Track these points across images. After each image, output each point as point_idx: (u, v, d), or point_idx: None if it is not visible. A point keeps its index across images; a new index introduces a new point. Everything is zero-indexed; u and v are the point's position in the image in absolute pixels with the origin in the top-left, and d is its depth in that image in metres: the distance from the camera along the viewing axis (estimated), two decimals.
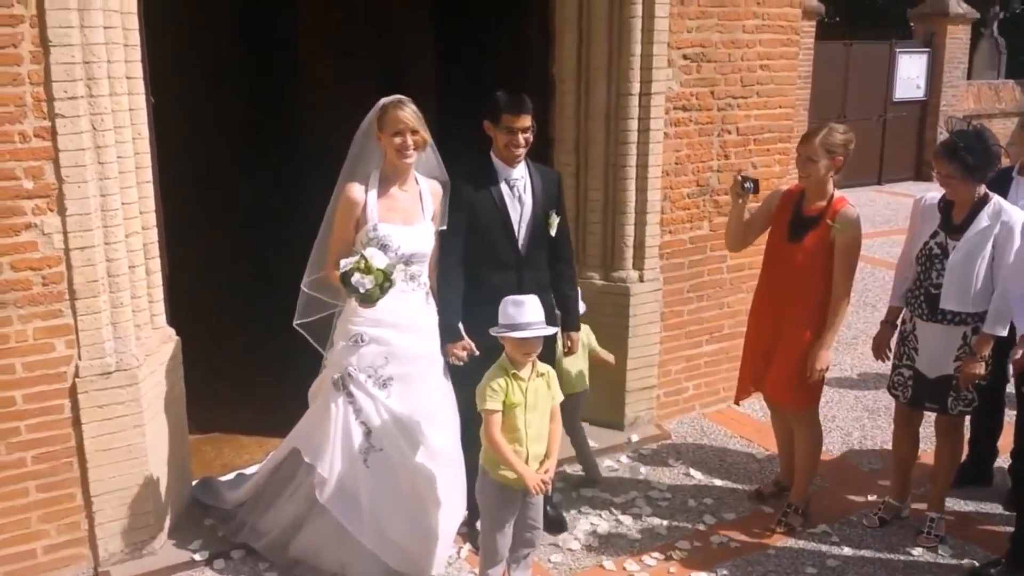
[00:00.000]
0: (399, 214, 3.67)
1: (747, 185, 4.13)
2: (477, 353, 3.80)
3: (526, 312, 3.27)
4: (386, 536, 3.68)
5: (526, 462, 3.34)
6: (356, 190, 3.65)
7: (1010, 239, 3.84)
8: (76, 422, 3.67)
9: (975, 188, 3.91)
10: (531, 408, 3.34)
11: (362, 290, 3.41)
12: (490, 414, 3.29)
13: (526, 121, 3.80)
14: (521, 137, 3.81)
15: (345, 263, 3.44)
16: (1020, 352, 3.84)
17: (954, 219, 3.98)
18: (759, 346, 4.33)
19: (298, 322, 3.85)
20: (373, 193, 3.65)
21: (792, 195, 4.21)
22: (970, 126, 4.05)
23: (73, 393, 3.65)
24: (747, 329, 4.49)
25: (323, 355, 3.88)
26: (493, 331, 3.31)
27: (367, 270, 3.40)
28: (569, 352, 4.23)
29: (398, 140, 3.59)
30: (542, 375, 3.41)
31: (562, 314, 4.17)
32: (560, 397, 3.50)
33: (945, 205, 4.02)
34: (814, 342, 4.08)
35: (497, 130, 3.82)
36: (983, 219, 3.89)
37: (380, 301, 3.49)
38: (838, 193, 4.09)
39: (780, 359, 4.19)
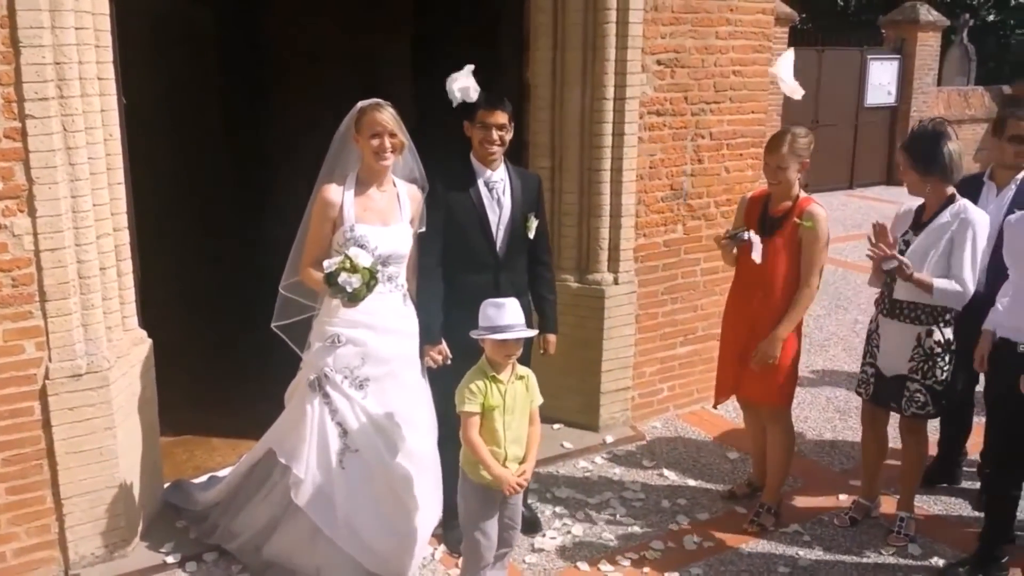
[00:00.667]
0: (376, 215, 3.67)
1: (743, 235, 4.14)
2: (451, 360, 3.82)
3: (507, 314, 3.27)
4: (361, 538, 3.68)
5: (504, 464, 3.35)
6: (332, 191, 3.65)
7: (964, 233, 3.92)
8: (46, 424, 3.64)
9: (932, 184, 3.99)
10: (509, 411, 3.35)
11: (349, 289, 3.40)
12: (468, 416, 3.30)
13: (501, 118, 3.81)
14: (496, 134, 3.83)
15: (329, 263, 3.43)
16: (981, 352, 3.92)
17: (923, 219, 4.09)
18: (734, 347, 4.37)
19: (276, 324, 3.84)
20: (350, 194, 3.64)
21: (758, 199, 4.33)
22: (931, 124, 4.12)
23: (43, 395, 3.61)
24: (722, 332, 4.53)
25: (299, 357, 3.87)
26: (474, 334, 3.30)
27: (353, 269, 3.41)
28: (545, 354, 4.25)
29: (376, 142, 3.59)
30: (521, 378, 3.41)
31: (539, 317, 4.19)
32: (539, 400, 3.51)
33: (919, 208, 4.13)
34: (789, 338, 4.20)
35: (473, 128, 3.85)
36: (945, 216, 3.99)
37: (363, 301, 3.49)
38: (803, 193, 4.21)
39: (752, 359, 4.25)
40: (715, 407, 4.79)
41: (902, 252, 4.03)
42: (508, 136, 3.89)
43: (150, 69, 5.98)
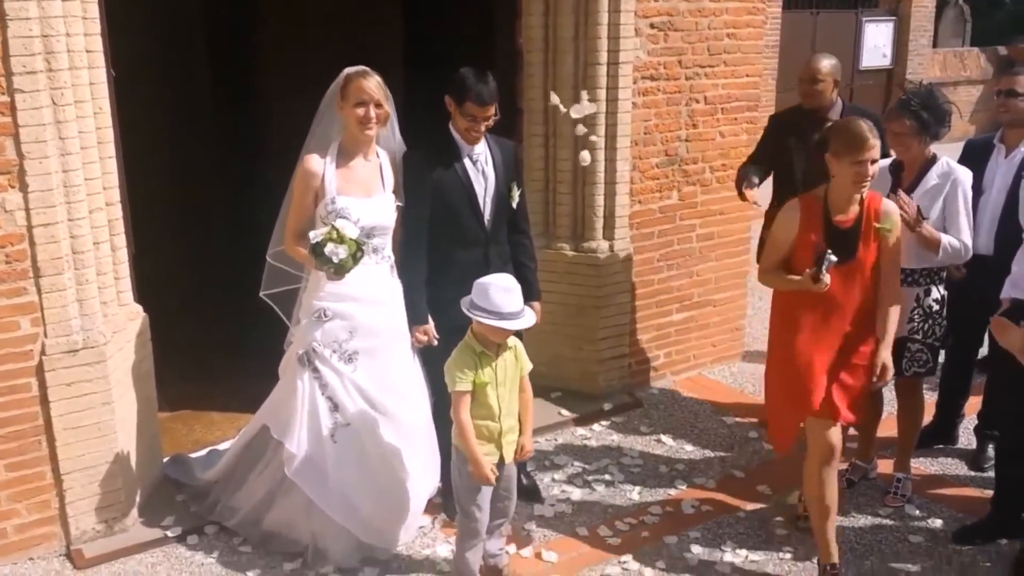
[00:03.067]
0: (358, 186, 3.63)
1: (830, 258, 3.41)
2: (437, 341, 3.80)
3: (515, 300, 3.24)
4: (355, 509, 3.69)
5: (499, 437, 3.36)
6: (314, 162, 3.60)
7: (956, 194, 3.93)
8: (44, 400, 3.64)
9: (926, 146, 3.97)
10: (501, 384, 3.34)
11: (336, 260, 3.38)
12: (460, 395, 3.28)
13: (489, 111, 3.72)
14: (482, 125, 3.75)
15: (315, 234, 3.41)
16: (999, 317, 3.89)
17: (904, 181, 4.06)
18: (817, 379, 3.61)
19: (264, 293, 3.84)
20: (332, 165, 3.60)
21: (812, 210, 3.58)
22: (921, 85, 4.10)
23: (40, 371, 3.61)
24: (788, 372, 3.68)
25: (291, 330, 3.87)
26: (482, 318, 3.20)
27: (340, 240, 3.38)
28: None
29: (361, 111, 3.54)
30: (509, 348, 3.40)
31: (523, 285, 4.14)
32: (529, 366, 3.50)
33: (895, 168, 4.08)
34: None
35: (458, 112, 3.73)
36: (932, 178, 3.98)
37: (350, 273, 3.47)
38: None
39: (856, 379, 3.64)
40: (782, 453, 4.03)
41: None
42: (494, 121, 3.79)
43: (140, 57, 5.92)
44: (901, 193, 3.95)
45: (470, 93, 3.65)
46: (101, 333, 3.71)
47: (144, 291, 4.17)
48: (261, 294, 3.84)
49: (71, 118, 3.52)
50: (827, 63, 4.68)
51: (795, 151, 4.67)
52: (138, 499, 4.05)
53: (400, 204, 3.80)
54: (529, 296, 4.13)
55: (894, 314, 3.61)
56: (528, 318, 3.29)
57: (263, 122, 8.06)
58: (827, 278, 3.40)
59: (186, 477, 4.24)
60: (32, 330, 3.60)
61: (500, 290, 3.23)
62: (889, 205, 3.62)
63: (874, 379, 3.64)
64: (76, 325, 3.65)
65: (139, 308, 4.07)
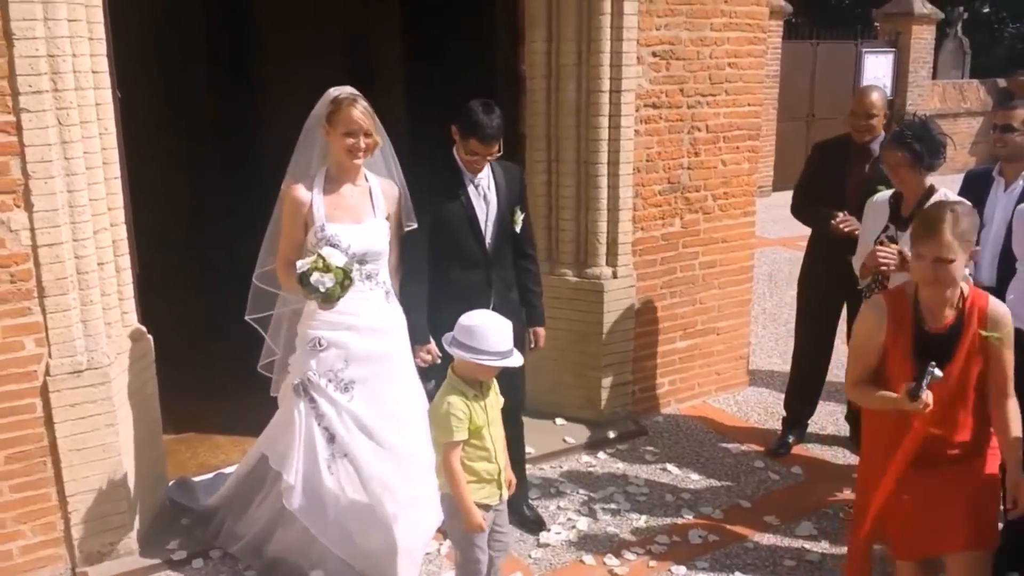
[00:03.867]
0: (348, 212, 3.56)
1: (934, 372, 2.87)
2: (440, 360, 3.78)
3: (510, 336, 3.12)
4: (353, 541, 3.63)
5: (499, 476, 3.25)
6: (300, 191, 3.53)
7: None
8: (48, 421, 3.62)
9: (923, 176, 3.98)
10: (493, 422, 3.22)
11: (322, 289, 3.32)
12: (455, 445, 3.11)
13: (493, 149, 3.76)
14: (483, 161, 3.80)
15: (302, 263, 3.35)
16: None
17: (903, 212, 4.05)
18: (905, 509, 3.14)
19: (249, 316, 3.80)
20: (319, 192, 3.53)
21: (900, 310, 3.09)
22: (915, 117, 4.11)
23: (44, 392, 3.59)
24: (872, 499, 3.22)
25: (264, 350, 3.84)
26: (485, 360, 3.06)
27: (326, 268, 3.32)
28: (535, 348, 4.22)
29: (350, 141, 3.48)
30: (489, 384, 3.27)
31: (527, 310, 4.15)
32: (501, 399, 3.35)
33: (894, 200, 4.09)
34: (990, 468, 3.14)
35: (462, 145, 3.76)
36: None
37: (340, 301, 3.41)
38: (966, 286, 3.09)
39: (952, 504, 3.09)
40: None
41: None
42: (497, 156, 3.83)
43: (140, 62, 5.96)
44: (884, 240, 3.97)
45: (476, 131, 3.68)
46: (105, 354, 3.69)
47: (149, 312, 4.16)
48: (247, 317, 3.79)
49: (76, 138, 3.52)
50: (879, 97, 4.70)
51: (845, 183, 4.66)
52: (143, 522, 4.01)
53: (413, 226, 3.77)
54: (534, 321, 4.15)
55: (1016, 432, 3.02)
56: (516, 358, 3.14)
57: (263, 142, 8.12)
58: (928, 397, 2.86)
59: (190, 501, 4.20)
60: (36, 350, 3.58)
61: (497, 330, 3.09)
62: (999, 309, 3.00)
63: (1011, 507, 3.12)
64: (80, 346, 3.63)
65: (143, 329, 4.05)
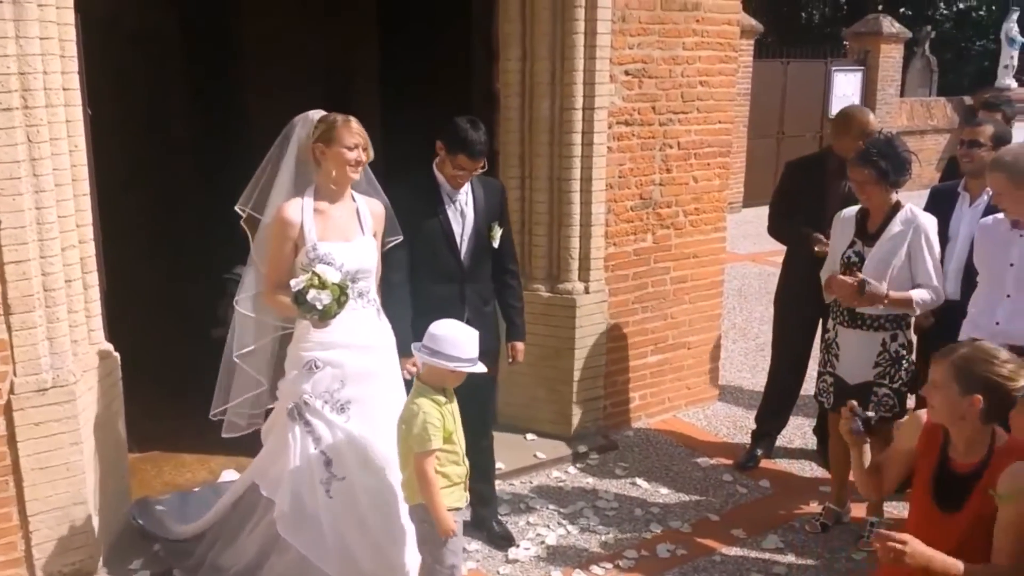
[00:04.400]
0: (338, 231, 3.56)
1: (854, 426, 3.11)
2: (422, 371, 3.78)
3: (471, 347, 3.22)
4: (356, 565, 3.55)
5: (466, 478, 3.35)
6: (290, 210, 3.50)
7: (920, 240, 4.00)
8: (11, 440, 3.57)
9: (889, 193, 4.05)
10: (459, 427, 3.30)
11: (319, 307, 3.29)
12: (428, 454, 3.16)
13: (479, 164, 3.84)
14: (468, 175, 3.86)
15: (297, 282, 3.32)
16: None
17: (869, 228, 4.13)
18: None
19: (239, 355, 3.71)
20: (309, 211, 3.51)
21: (936, 436, 2.99)
22: (880, 134, 4.19)
23: (8, 410, 3.54)
24: None
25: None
26: (431, 360, 3.18)
27: (322, 285, 3.29)
28: (513, 363, 4.25)
29: (353, 154, 3.48)
30: (451, 390, 3.34)
31: (507, 325, 4.20)
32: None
33: (861, 216, 4.16)
34: None
35: (448, 160, 3.82)
36: (896, 224, 4.04)
37: (335, 319, 3.39)
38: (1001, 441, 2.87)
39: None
40: None
41: (854, 263, 4.09)
42: (481, 171, 3.91)
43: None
44: (848, 263, 4.06)
45: (465, 147, 3.75)
46: (71, 372, 3.66)
47: (113, 328, 4.12)
48: (236, 357, 3.70)
49: (46, 155, 3.50)
50: (873, 118, 4.72)
51: (824, 200, 4.68)
52: (106, 542, 3.97)
53: (398, 239, 3.79)
54: (513, 336, 4.18)
55: None
56: (480, 366, 3.25)
57: (239, 159, 8.08)
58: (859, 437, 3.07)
59: (159, 530, 4.07)
60: (1, 368, 3.54)
61: (467, 337, 3.21)
62: (1020, 469, 2.70)
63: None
64: (46, 364, 3.60)
65: (110, 347, 4.02)
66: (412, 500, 3.31)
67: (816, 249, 4.53)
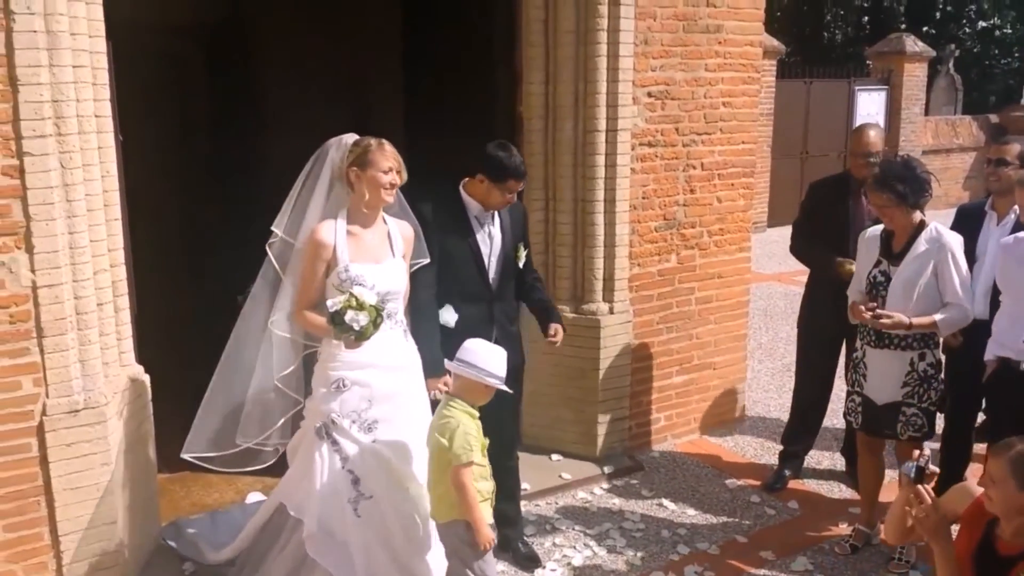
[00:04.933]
0: (369, 253, 3.61)
1: (906, 468, 3.09)
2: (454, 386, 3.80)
3: (502, 365, 3.29)
4: None
5: (492, 495, 3.36)
6: (324, 232, 3.56)
7: (946, 258, 3.98)
8: (43, 461, 3.62)
9: (911, 214, 4.03)
10: (485, 442, 3.34)
11: (357, 327, 3.33)
12: (467, 466, 3.19)
13: (524, 181, 3.96)
14: (515, 196, 3.97)
15: (333, 303, 3.37)
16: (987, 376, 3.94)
17: (894, 247, 4.11)
18: None
19: (281, 376, 3.72)
20: (342, 233, 3.57)
21: (984, 513, 2.95)
22: (897, 157, 4.19)
23: (40, 432, 3.59)
24: None
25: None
26: (471, 372, 3.23)
27: (360, 307, 3.34)
28: (556, 339, 4.18)
29: (388, 177, 3.54)
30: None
31: (544, 313, 4.20)
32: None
33: (886, 235, 4.15)
34: None
35: (495, 187, 3.88)
36: (921, 244, 4.03)
37: (369, 340, 3.43)
38: None
39: None
40: None
41: (880, 283, 4.08)
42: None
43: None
44: (868, 298, 4.07)
45: (511, 172, 3.86)
46: (102, 394, 3.71)
47: (143, 349, 4.18)
48: (276, 381, 3.72)
49: (78, 181, 3.57)
50: (876, 135, 4.73)
51: (847, 220, 4.69)
52: (136, 561, 4.00)
53: (425, 261, 3.84)
54: (552, 318, 4.18)
55: None
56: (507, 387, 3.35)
57: (265, 183, 8.18)
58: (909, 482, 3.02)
59: (194, 554, 4.09)
60: (34, 390, 3.59)
61: (500, 356, 3.30)
62: None
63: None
64: (78, 385, 3.65)
65: (140, 369, 4.08)
66: (443, 517, 3.32)
67: (847, 268, 4.51)
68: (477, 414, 3.29)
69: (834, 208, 4.79)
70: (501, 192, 3.89)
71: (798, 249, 5.03)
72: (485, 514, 3.30)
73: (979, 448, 4.80)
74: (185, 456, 3.80)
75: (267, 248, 3.71)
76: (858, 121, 14.67)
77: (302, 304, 3.60)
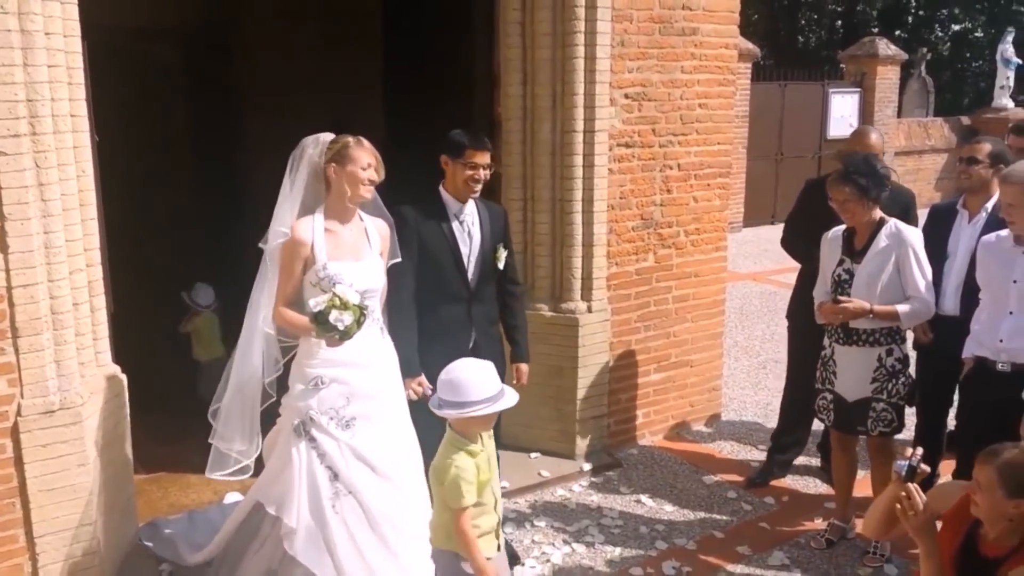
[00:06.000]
0: (347, 250, 3.61)
1: (897, 465, 3.07)
2: (431, 392, 3.80)
3: (493, 379, 3.04)
4: None
5: (498, 526, 3.18)
6: (302, 230, 3.55)
7: (907, 252, 4.05)
8: (18, 462, 3.59)
9: (871, 209, 4.10)
10: (493, 476, 3.14)
11: (341, 327, 3.32)
12: (464, 510, 2.99)
13: (487, 157, 3.91)
14: (482, 173, 3.91)
15: (316, 303, 3.35)
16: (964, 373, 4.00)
17: (856, 245, 4.18)
18: None
19: (271, 377, 3.72)
20: (320, 231, 3.56)
21: (969, 514, 2.94)
22: (857, 155, 4.25)
23: (15, 432, 3.56)
24: None
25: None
26: (453, 414, 2.98)
27: (344, 306, 3.33)
28: (518, 383, 4.26)
29: (367, 173, 3.54)
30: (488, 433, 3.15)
31: (512, 346, 4.24)
32: (492, 441, 3.20)
33: (847, 234, 4.21)
34: None
35: (457, 164, 3.88)
36: (882, 239, 4.09)
37: (352, 338, 3.42)
38: None
39: None
40: None
41: (844, 281, 4.14)
42: (490, 173, 3.98)
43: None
44: (837, 286, 4.14)
45: (468, 141, 3.87)
46: (78, 394, 3.68)
47: (119, 350, 4.15)
48: (265, 380, 3.71)
49: (54, 180, 3.55)
50: (877, 138, 4.77)
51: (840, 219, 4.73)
52: (113, 563, 3.97)
53: (397, 259, 3.82)
54: (518, 357, 4.22)
55: None
56: (510, 395, 3.05)
57: (243, 184, 8.16)
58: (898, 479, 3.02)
59: (171, 554, 4.07)
60: (9, 391, 3.56)
61: (481, 375, 3.01)
62: None
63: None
64: (53, 386, 3.62)
65: (117, 368, 4.05)
66: (441, 544, 3.18)
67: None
68: (479, 449, 3.06)
69: (827, 206, 4.81)
70: (463, 168, 3.88)
71: (788, 243, 5.06)
72: (489, 546, 3.14)
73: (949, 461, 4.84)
74: (211, 476, 3.79)
75: (261, 246, 3.71)
76: (832, 123, 14.85)
77: (279, 302, 3.59)
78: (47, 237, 3.56)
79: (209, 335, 6.22)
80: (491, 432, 3.17)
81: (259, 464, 3.81)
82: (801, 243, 4.90)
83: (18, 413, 3.57)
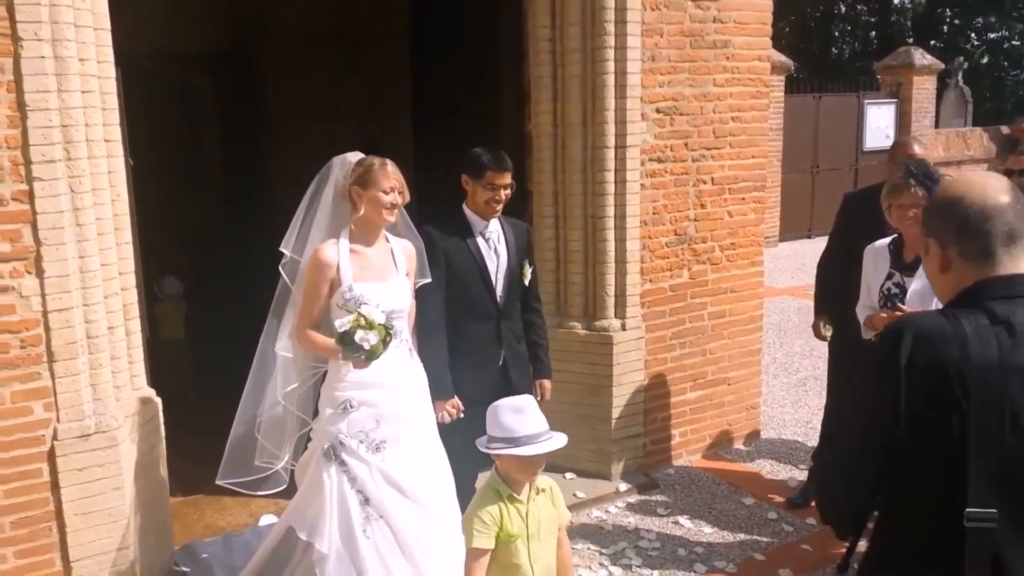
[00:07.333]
0: (373, 272, 3.59)
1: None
2: (463, 414, 3.78)
3: (529, 420, 2.84)
4: None
5: None
6: (327, 252, 3.54)
7: None
8: (55, 486, 3.61)
9: None
10: (534, 536, 2.86)
11: (367, 347, 3.29)
12: (478, 554, 2.80)
13: (507, 178, 3.89)
14: (503, 193, 3.89)
15: (342, 323, 3.33)
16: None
17: (905, 257, 4.04)
18: None
19: (285, 392, 3.69)
20: (345, 253, 3.55)
21: None
22: (913, 161, 4.14)
23: (52, 457, 3.59)
24: None
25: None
26: (487, 448, 2.87)
27: (369, 326, 3.30)
28: (541, 400, 4.21)
29: (389, 197, 3.53)
30: (543, 491, 2.94)
31: (534, 363, 4.19)
32: (568, 516, 3.06)
33: (894, 247, 4.09)
34: None
35: (478, 185, 3.88)
36: None
37: (378, 359, 3.39)
38: None
39: None
40: None
41: (896, 296, 4.01)
42: (511, 193, 3.96)
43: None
44: (890, 295, 4.01)
45: (488, 162, 3.84)
46: (114, 418, 3.70)
47: (155, 372, 4.18)
48: (280, 397, 3.68)
49: (88, 205, 3.58)
50: (919, 148, 4.68)
51: (883, 225, 4.59)
52: None
53: (427, 280, 3.81)
54: (541, 373, 4.18)
55: None
56: (557, 439, 2.84)
57: (272, 207, 8.20)
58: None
59: None
60: (45, 415, 3.59)
61: (508, 410, 2.86)
62: None
63: None
64: (89, 410, 3.65)
65: (152, 392, 4.07)
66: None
67: (821, 332, 4.60)
68: (519, 499, 2.88)
69: (869, 218, 4.66)
70: (484, 189, 3.86)
71: (825, 264, 4.93)
72: None
73: None
74: (220, 483, 3.77)
75: (280, 269, 3.71)
76: (868, 134, 14.66)
77: (304, 324, 3.56)
78: (82, 261, 3.59)
79: (173, 320, 7.11)
80: (555, 502, 3.01)
81: (295, 487, 3.79)
82: (835, 274, 4.75)
83: (54, 437, 3.60)
